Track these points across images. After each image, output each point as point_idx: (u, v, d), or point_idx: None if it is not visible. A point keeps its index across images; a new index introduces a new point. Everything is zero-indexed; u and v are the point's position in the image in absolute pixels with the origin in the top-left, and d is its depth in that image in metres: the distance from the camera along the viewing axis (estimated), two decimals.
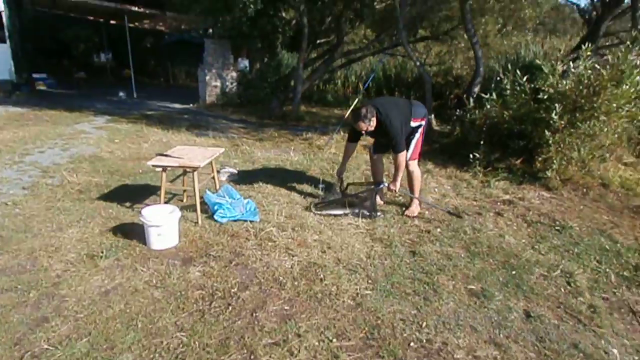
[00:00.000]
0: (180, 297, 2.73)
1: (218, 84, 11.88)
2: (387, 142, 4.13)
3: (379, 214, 4.25)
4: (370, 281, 3.06)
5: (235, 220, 3.88)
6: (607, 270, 3.52)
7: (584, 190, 5.28)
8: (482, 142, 6.06)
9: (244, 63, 13.73)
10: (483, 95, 6.04)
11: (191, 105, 11.75)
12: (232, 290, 2.82)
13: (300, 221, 3.96)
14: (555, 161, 5.28)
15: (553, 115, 5.05)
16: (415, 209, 4.32)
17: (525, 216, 4.51)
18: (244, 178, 5.24)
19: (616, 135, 5.38)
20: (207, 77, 11.67)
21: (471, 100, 6.75)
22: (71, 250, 3.26)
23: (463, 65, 14.44)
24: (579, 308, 2.92)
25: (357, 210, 4.21)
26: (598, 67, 5.14)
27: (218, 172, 5.07)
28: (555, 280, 3.27)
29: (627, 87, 4.87)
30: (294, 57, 17.05)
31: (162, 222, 3.25)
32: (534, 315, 2.78)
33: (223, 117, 10.07)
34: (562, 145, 5.23)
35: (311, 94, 14.20)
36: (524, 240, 3.94)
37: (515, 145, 5.83)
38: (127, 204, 4.21)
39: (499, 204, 4.84)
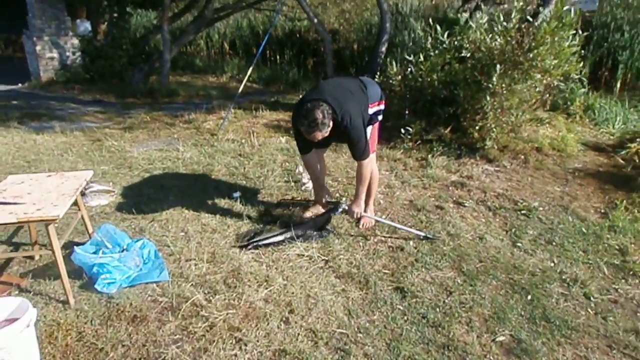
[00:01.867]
0: None
1: (55, 55, 9.31)
2: (337, 140, 3.04)
3: (327, 231, 3.20)
4: None
5: (132, 286, 2.50)
6: (597, 260, 3.06)
7: (523, 157, 4.85)
8: (406, 112, 5.29)
9: (85, 26, 11.06)
10: (407, 57, 5.18)
11: (20, 84, 9.08)
12: None
13: (231, 265, 2.73)
14: (495, 129, 4.72)
15: (493, 78, 4.40)
16: (370, 217, 3.35)
17: (485, 202, 3.87)
18: (124, 198, 3.72)
19: (545, 96, 5.00)
20: (38, 47, 9.03)
21: (381, 62, 5.89)
22: None
23: (338, 18, 13.64)
24: (631, 342, 2.28)
25: (301, 231, 3.10)
26: (531, 19, 4.60)
27: (83, 194, 3.49)
28: (577, 298, 2.62)
29: (566, 41, 4.40)
30: (144, 17, 14.52)
31: (1, 341, 1.79)
32: None
33: (70, 99, 7.83)
34: (500, 111, 4.66)
35: (176, 60, 12.18)
36: (503, 239, 3.28)
37: (443, 113, 5.16)
38: None
39: (451, 189, 4.12)
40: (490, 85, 4.47)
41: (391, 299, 2.51)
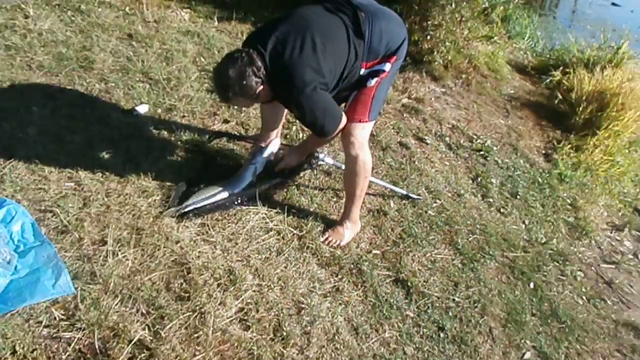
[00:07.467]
0: None
1: None
2: None
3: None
4: None
5: (5, 312, 1.45)
6: (556, 218, 3.02)
7: (465, 78, 4.39)
8: None
9: None
10: None
11: None
12: None
13: (171, 251, 1.80)
14: (446, 42, 4.09)
15: None
16: (347, 230, 2.16)
17: (443, 137, 3.42)
18: None
19: None
20: None
21: None
22: None
23: None
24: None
25: (247, 181, 2.20)
26: None
27: None
28: (571, 283, 2.43)
29: None
30: None
31: None
32: None
33: None
34: (458, 21, 4.02)
35: None
36: (475, 193, 2.94)
37: None
38: None
39: (405, 115, 3.51)
40: None
41: (396, 301, 1.94)
